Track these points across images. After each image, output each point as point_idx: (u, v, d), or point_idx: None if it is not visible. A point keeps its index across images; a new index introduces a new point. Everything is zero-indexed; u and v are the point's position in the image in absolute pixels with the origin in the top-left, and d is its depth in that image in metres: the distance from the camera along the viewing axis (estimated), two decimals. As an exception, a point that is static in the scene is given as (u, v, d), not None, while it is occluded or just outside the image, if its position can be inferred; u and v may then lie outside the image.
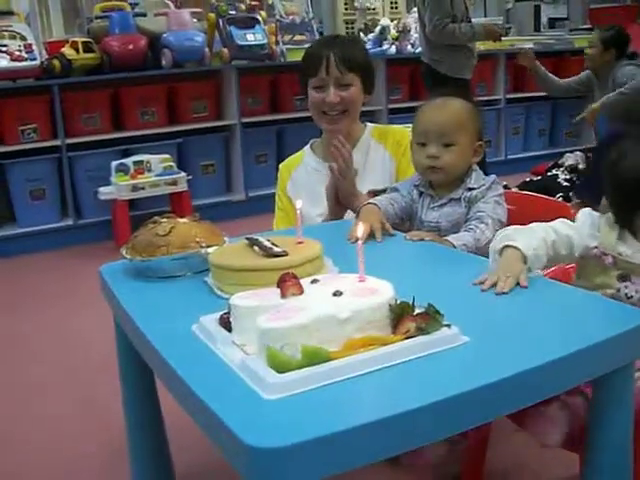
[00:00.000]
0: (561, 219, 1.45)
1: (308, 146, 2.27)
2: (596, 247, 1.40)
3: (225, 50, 4.83)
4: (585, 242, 1.41)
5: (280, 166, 2.30)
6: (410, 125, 1.95)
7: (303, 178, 2.19)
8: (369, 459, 0.87)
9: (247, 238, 1.45)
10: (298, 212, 1.44)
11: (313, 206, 2.06)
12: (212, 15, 4.88)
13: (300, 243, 1.40)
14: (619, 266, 1.37)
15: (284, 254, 1.32)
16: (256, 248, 1.38)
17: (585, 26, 6.91)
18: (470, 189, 1.76)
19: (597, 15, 7.00)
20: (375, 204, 1.77)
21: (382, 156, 2.13)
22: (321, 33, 5.55)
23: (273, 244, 1.36)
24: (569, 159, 4.93)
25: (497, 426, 1.72)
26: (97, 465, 2.04)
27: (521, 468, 1.89)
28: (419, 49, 5.50)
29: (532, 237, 1.36)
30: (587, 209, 1.47)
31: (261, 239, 1.40)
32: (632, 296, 1.35)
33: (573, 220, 1.45)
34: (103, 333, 2.74)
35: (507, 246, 1.33)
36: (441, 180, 1.79)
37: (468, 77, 4.38)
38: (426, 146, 1.78)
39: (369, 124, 2.21)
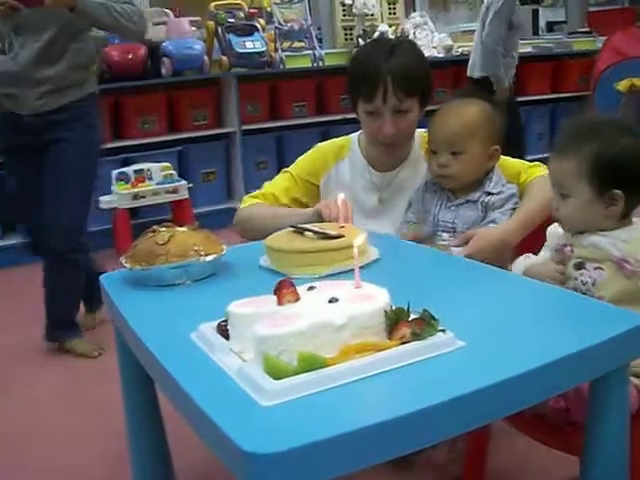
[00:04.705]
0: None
1: (355, 137, 2.02)
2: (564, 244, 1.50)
3: (224, 58, 4.85)
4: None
5: (319, 147, 2.02)
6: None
7: (347, 177, 1.96)
8: (365, 463, 0.87)
9: (292, 226, 1.58)
10: (342, 198, 1.58)
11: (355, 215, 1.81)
12: (211, 23, 4.91)
13: (342, 227, 1.55)
14: (576, 254, 1.46)
15: (341, 236, 1.48)
16: (309, 233, 1.52)
17: (583, 29, 6.93)
18: (489, 193, 1.78)
19: (595, 18, 7.02)
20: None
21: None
22: (320, 40, 5.56)
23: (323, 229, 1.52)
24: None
25: (498, 428, 1.72)
26: (99, 472, 2.05)
27: (522, 470, 1.90)
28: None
29: None
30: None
31: (308, 226, 1.55)
32: (586, 282, 1.43)
33: None
34: (102, 338, 2.75)
35: None
36: (453, 186, 1.82)
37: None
38: (436, 154, 1.80)
39: (416, 131, 1.96)
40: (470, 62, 4.78)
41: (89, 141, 2.76)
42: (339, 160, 1.99)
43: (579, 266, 1.45)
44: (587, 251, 1.45)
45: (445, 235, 1.79)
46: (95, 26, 2.74)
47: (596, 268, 1.43)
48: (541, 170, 1.86)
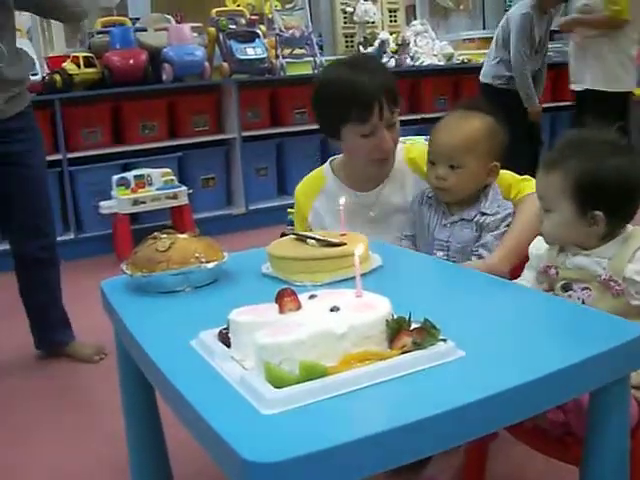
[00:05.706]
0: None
1: (327, 166, 2.05)
2: (547, 266, 1.48)
3: (225, 64, 4.86)
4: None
5: (297, 193, 2.06)
6: (413, 139, 1.95)
7: (325, 208, 1.96)
8: (366, 473, 0.87)
9: (294, 234, 1.62)
10: (341, 208, 1.54)
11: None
12: (212, 29, 4.92)
13: (344, 235, 1.55)
14: (561, 276, 1.44)
15: (343, 244, 1.49)
16: (311, 241, 1.53)
17: (583, 38, 6.92)
18: (484, 214, 1.77)
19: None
20: None
21: (418, 186, 1.92)
22: (321, 47, 5.57)
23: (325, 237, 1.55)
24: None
25: (497, 438, 1.72)
26: (98, 478, 2.05)
27: (521, 479, 1.90)
28: (419, 62, 5.54)
29: None
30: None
31: (310, 234, 1.57)
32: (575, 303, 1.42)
33: None
34: (103, 344, 2.75)
35: None
36: (449, 200, 1.81)
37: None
38: (435, 165, 1.79)
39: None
40: (484, 69, 4.80)
41: (43, 148, 2.78)
42: (315, 199, 2.00)
43: (566, 288, 1.43)
44: (573, 272, 1.43)
45: (440, 254, 1.79)
46: (55, 8, 2.61)
47: (584, 289, 1.41)
48: (531, 185, 1.82)
